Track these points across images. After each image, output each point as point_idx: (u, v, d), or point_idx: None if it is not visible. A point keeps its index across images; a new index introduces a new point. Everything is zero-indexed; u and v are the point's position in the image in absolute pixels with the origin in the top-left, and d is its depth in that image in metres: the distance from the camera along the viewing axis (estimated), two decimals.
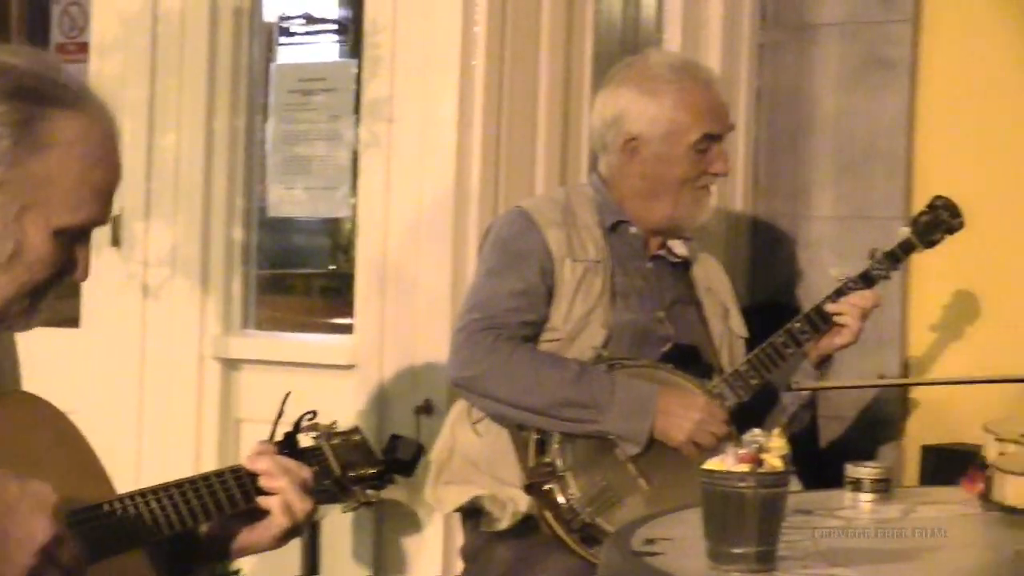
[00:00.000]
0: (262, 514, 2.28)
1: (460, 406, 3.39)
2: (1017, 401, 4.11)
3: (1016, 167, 4.29)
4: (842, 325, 3.41)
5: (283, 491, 2.26)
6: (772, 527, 2.04)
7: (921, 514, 2.45)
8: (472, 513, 3.37)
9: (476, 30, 3.84)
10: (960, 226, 3.58)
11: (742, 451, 2.06)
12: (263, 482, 2.27)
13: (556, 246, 3.33)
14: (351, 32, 4.38)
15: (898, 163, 4.41)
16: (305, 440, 2.40)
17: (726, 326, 3.55)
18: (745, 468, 2.04)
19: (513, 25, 3.91)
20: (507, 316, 3.27)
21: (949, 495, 2.54)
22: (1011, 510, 2.25)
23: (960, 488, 2.50)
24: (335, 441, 2.43)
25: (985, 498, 2.39)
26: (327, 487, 2.40)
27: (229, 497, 2.26)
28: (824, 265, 4.50)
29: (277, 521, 2.27)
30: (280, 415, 2.45)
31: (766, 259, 4.62)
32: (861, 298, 3.42)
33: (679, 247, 3.51)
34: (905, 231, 3.56)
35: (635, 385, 3.24)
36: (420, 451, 2.61)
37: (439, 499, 3.40)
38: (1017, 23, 4.29)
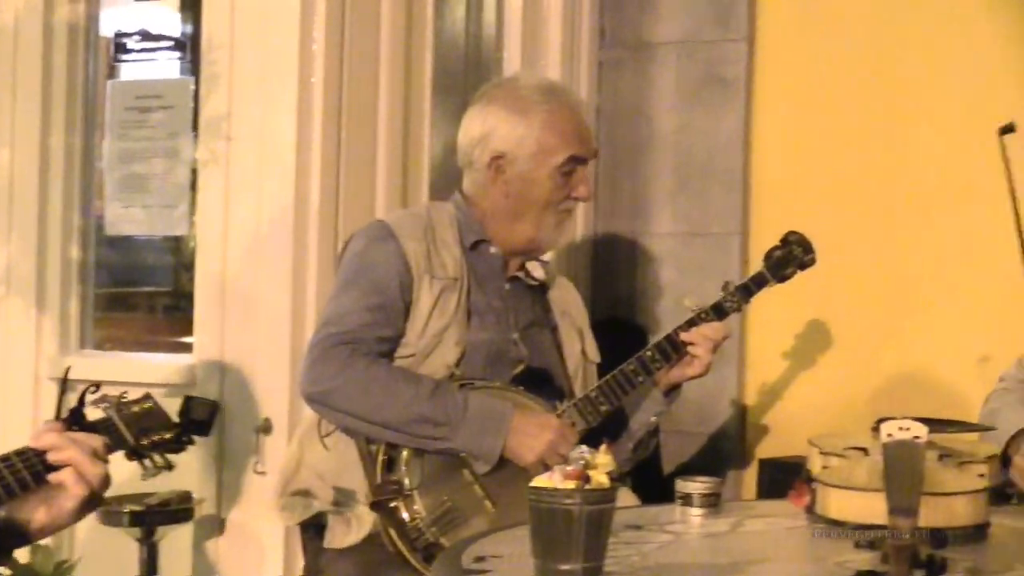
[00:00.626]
0: (58, 491, 2.26)
1: (310, 419, 3.37)
2: (846, 414, 4.20)
3: (849, 182, 4.37)
4: (693, 356, 3.44)
5: (73, 461, 2.25)
6: (599, 543, 2.05)
7: (749, 528, 2.48)
8: (316, 528, 3.35)
9: (314, 47, 3.83)
10: (812, 262, 3.62)
11: (569, 468, 2.07)
12: (51, 456, 2.26)
13: (416, 262, 3.32)
14: (189, 49, 4.34)
15: (735, 180, 4.48)
16: (95, 414, 2.39)
17: (580, 350, 3.57)
18: (572, 485, 2.05)
19: (352, 42, 3.90)
20: (363, 331, 3.25)
21: (777, 508, 2.58)
22: (833, 523, 2.28)
23: (788, 501, 2.53)
24: (125, 411, 2.42)
25: (810, 511, 2.43)
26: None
27: (18, 480, 2.24)
28: (664, 281, 4.56)
29: (72, 492, 2.26)
30: (63, 392, 2.43)
31: (607, 276, 4.66)
32: (712, 330, 3.45)
33: (537, 270, 3.51)
34: (759, 265, 3.60)
35: (489, 404, 3.23)
36: (215, 409, 2.58)
37: (284, 512, 3.37)
38: (848, 41, 4.37)
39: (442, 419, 3.18)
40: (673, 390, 3.52)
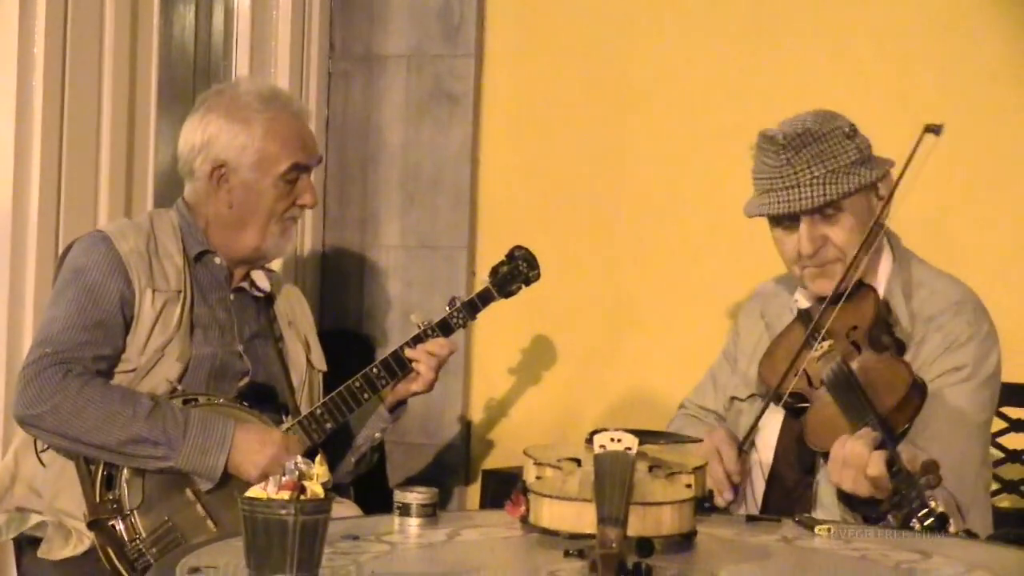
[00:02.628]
0: None
1: (25, 433, 3.28)
2: (568, 426, 4.28)
3: (573, 199, 4.45)
4: (418, 372, 3.46)
5: None
6: (313, 553, 2.06)
7: (465, 537, 2.50)
8: (31, 540, 3.26)
9: (35, 51, 3.74)
10: (537, 277, 3.69)
11: (284, 478, 2.07)
12: None
13: (137, 276, 3.25)
14: None
15: (462, 194, 4.53)
16: None
17: (306, 361, 3.55)
18: (286, 495, 2.05)
19: (74, 48, 3.82)
20: (80, 350, 3.17)
21: (494, 519, 2.60)
22: (546, 532, 2.32)
23: (504, 511, 2.56)
24: None
25: (525, 521, 2.46)
26: None
27: None
28: (392, 294, 4.58)
29: None
30: None
31: (335, 288, 4.66)
32: (438, 347, 3.47)
33: (262, 280, 3.48)
34: (485, 280, 3.64)
35: (210, 420, 3.18)
36: None
37: None
38: (573, 59, 4.46)
39: (161, 439, 3.13)
40: (399, 406, 3.54)
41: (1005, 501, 3.69)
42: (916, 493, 2.53)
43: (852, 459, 2.73)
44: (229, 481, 3.17)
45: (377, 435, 3.56)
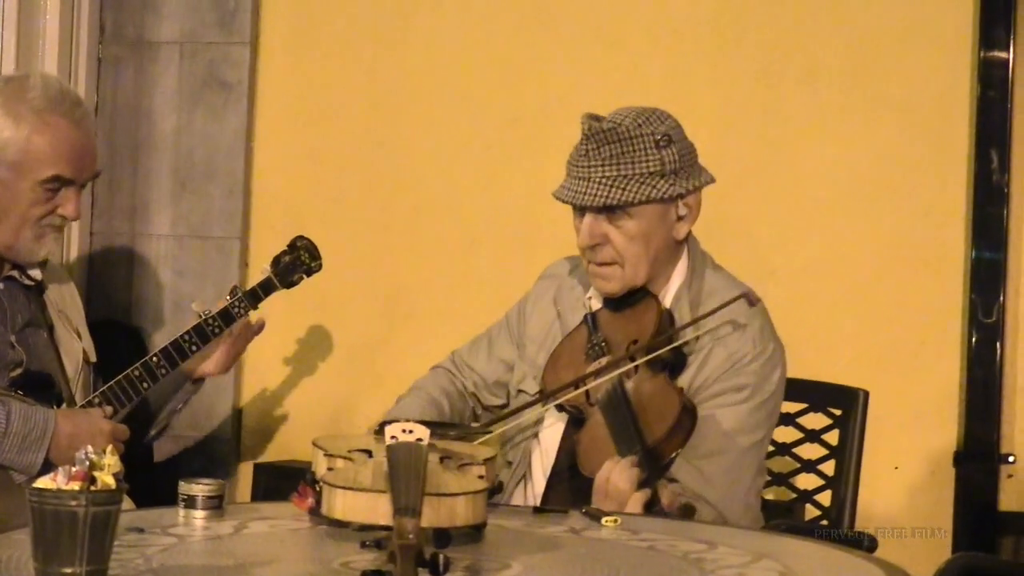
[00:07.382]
0: None
1: None
2: (342, 418, 4.27)
3: (349, 189, 4.44)
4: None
5: None
6: (104, 546, 2.01)
7: (253, 530, 2.47)
8: None
9: None
10: (318, 268, 3.71)
11: (74, 469, 2.02)
12: None
13: None
14: None
15: (236, 183, 4.49)
16: None
17: (81, 351, 3.48)
18: (76, 486, 2.00)
19: None
20: None
21: (281, 511, 2.58)
22: (339, 523, 2.31)
23: (291, 503, 2.54)
24: None
25: (314, 512, 2.44)
26: None
27: None
28: (163, 284, 4.52)
29: None
30: None
31: (103, 277, 4.58)
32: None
33: (34, 269, 3.40)
34: (266, 270, 3.63)
35: (32, 416, 3.13)
36: None
37: None
38: (351, 48, 4.45)
39: None
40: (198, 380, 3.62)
41: (770, 493, 3.77)
42: None
43: (613, 494, 2.76)
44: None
45: (180, 406, 3.62)
